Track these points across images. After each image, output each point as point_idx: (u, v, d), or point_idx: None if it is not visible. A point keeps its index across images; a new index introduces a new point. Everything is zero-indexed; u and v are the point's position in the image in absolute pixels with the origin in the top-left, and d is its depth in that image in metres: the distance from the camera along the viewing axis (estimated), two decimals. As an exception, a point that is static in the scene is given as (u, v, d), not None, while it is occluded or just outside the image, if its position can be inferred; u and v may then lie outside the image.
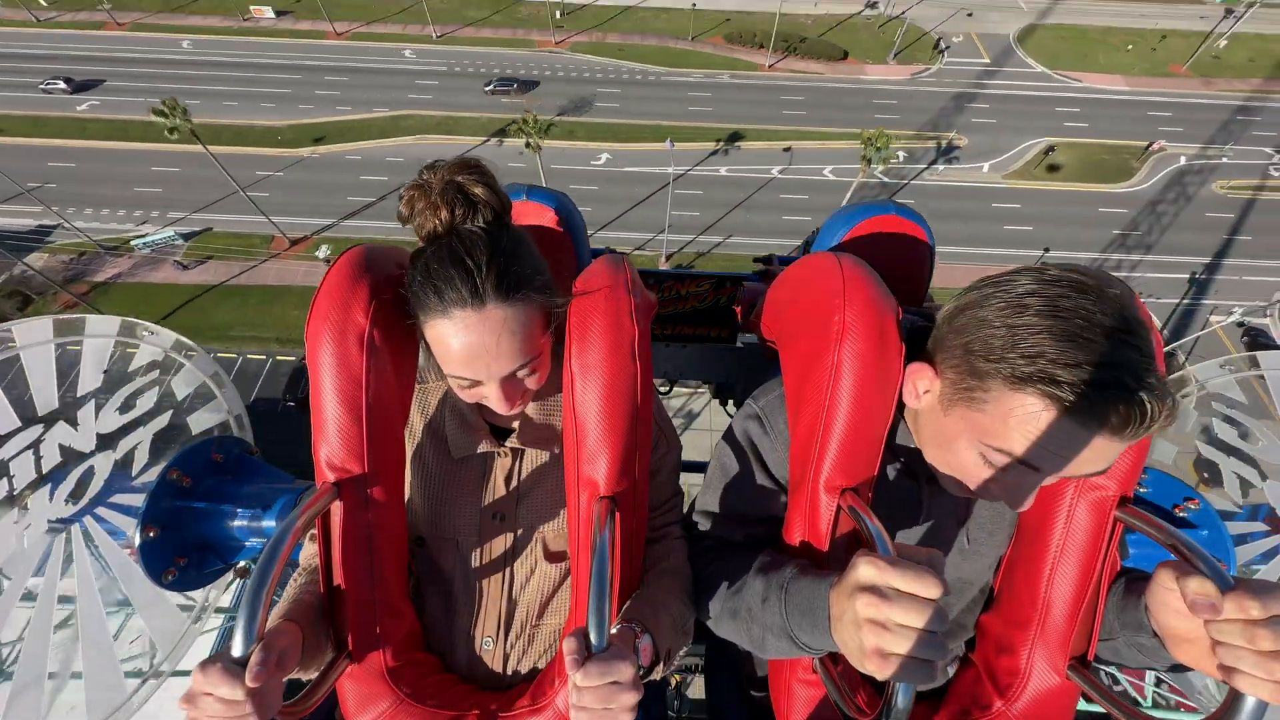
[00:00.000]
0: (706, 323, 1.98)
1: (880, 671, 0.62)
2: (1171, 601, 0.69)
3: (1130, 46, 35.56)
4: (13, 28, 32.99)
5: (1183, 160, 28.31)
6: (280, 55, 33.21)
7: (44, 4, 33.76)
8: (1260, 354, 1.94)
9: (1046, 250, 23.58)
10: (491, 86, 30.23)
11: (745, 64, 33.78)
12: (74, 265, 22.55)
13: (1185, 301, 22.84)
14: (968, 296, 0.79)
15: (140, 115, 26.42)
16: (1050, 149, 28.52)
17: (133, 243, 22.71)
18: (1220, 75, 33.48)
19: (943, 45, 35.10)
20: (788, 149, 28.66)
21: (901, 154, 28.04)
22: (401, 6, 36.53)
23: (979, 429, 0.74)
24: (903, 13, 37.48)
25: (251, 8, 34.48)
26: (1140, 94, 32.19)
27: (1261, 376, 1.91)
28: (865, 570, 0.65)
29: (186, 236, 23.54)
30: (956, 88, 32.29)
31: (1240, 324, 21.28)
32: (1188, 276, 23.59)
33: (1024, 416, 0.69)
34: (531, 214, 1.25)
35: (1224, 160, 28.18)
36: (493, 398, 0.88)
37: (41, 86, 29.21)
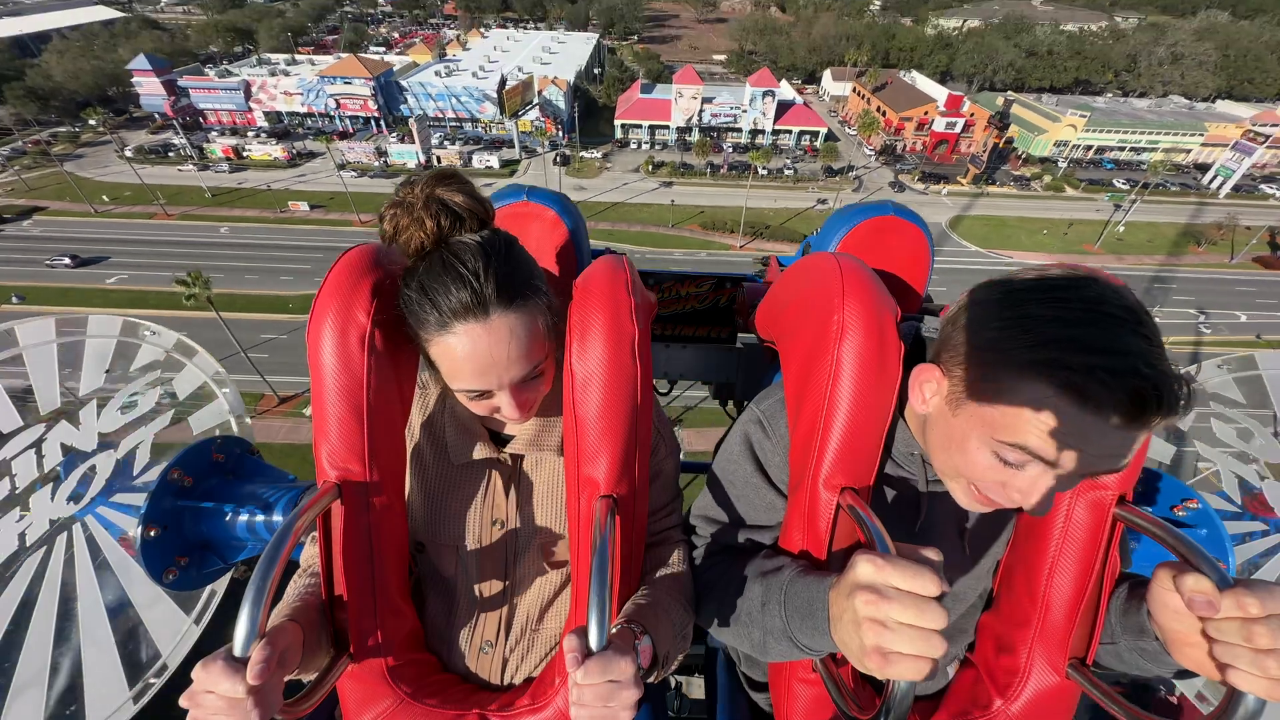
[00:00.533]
0: (706, 323, 1.98)
1: (880, 670, 0.62)
2: (1171, 602, 0.68)
3: (1045, 231, 43.41)
4: (72, 218, 37.58)
5: None
6: (306, 239, 36.49)
7: (105, 199, 39.00)
8: (1260, 354, 1.94)
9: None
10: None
11: (719, 245, 39.37)
12: None
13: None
14: (971, 295, 0.79)
15: (160, 286, 29.84)
16: None
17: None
18: (1128, 252, 41.11)
19: None
20: None
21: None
22: None
23: (990, 425, 0.71)
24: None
25: (289, 203, 39.12)
26: None
27: (1260, 376, 1.91)
28: (864, 569, 0.65)
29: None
30: None
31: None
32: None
33: (1036, 407, 0.67)
34: (532, 215, 1.25)
35: (1157, 320, 32.41)
36: (505, 407, 0.88)
37: (47, 262, 32.70)
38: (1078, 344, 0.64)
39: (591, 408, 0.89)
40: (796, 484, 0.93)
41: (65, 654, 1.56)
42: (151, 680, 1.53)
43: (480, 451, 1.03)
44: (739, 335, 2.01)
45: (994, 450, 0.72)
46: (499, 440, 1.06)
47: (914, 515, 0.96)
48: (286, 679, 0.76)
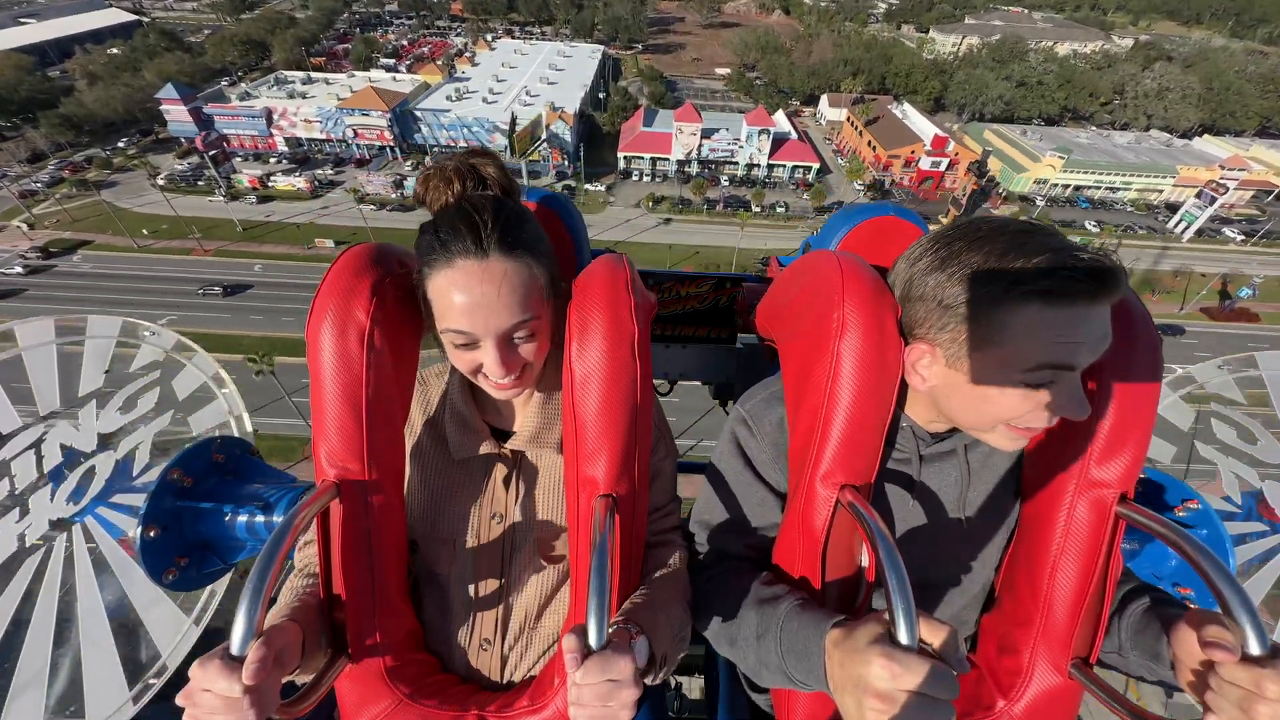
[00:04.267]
0: (706, 323, 1.98)
1: None
2: (1196, 653, 0.72)
3: None
4: (116, 252, 39.26)
5: None
6: None
7: (145, 233, 40.50)
8: (1260, 354, 1.94)
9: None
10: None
11: None
12: None
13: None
14: (903, 275, 0.87)
15: (206, 329, 31.35)
16: None
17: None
18: None
19: None
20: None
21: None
22: None
23: (1005, 363, 0.77)
24: None
25: (316, 240, 40.82)
26: None
27: (1260, 377, 1.91)
28: (878, 673, 0.62)
29: None
30: None
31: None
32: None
33: (1033, 326, 0.74)
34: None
35: None
36: (489, 361, 0.88)
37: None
38: (1026, 261, 0.73)
39: (591, 406, 0.88)
40: (795, 481, 0.93)
41: (65, 654, 1.55)
42: (151, 680, 1.53)
43: (481, 447, 1.03)
44: (739, 335, 2.01)
45: (1020, 382, 0.77)
46: (501, 436, 1.06)
47: (910, 499, 0.97)
48: (284, 680, 0.76)
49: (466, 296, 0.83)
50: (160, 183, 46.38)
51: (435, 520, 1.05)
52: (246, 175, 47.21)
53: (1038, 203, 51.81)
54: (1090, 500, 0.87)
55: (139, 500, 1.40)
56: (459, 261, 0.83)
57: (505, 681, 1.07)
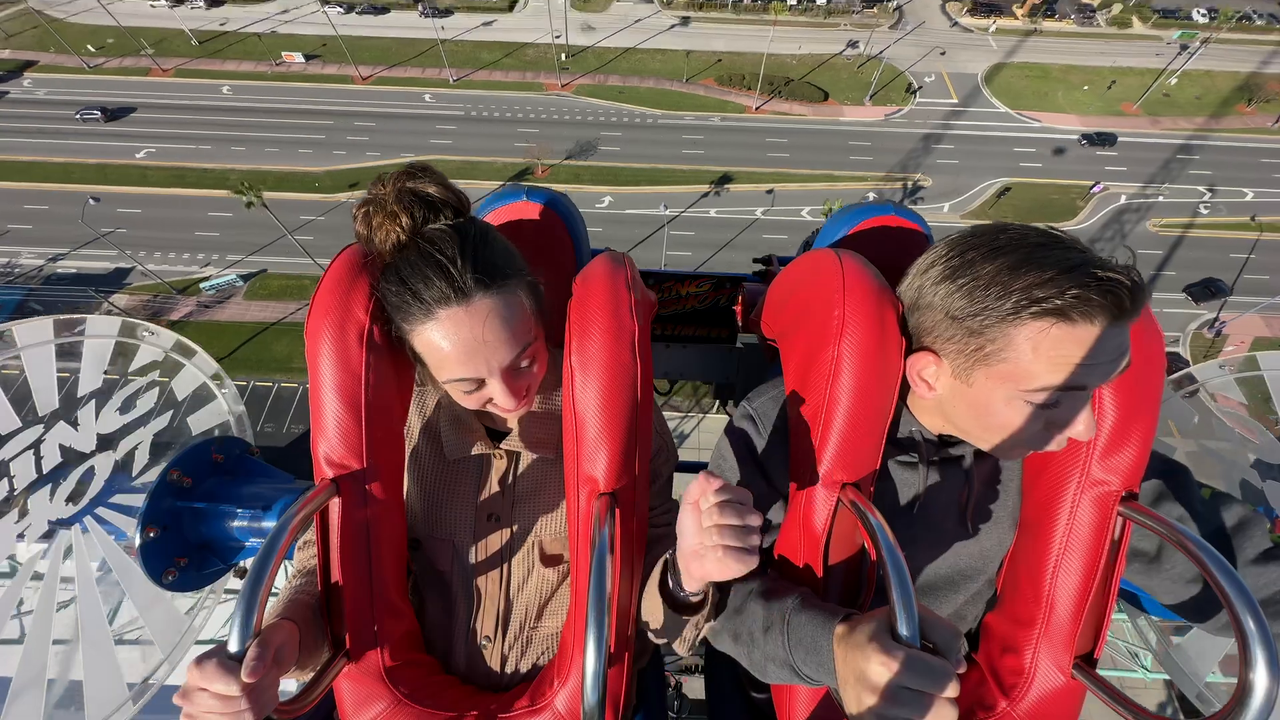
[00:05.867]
0: (706, 323, 1.98)
1: None
2: None
3: (1087, 86, 36.49)
4: (66, 74, 34.81)
5: (1123, 199, 30.37)
6: (312, 101, 35.08)
7: (91, 50, 36.18)
8: (1260, 354, 1.94)
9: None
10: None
11: (734, 106, 35.24)
12: (151, 304, 24.99)
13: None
14: (914, 282, 0.85)
15: (192, 162, 29.47)
16: (1005, 190, 30.36)
17: (200, 285, 25.25)
18: (1168, 114, 34.86)
19: (914, 86, 36.65)
20: (770, 191, 30.25)
21: (871, 194, 29.75)
22: (418, 51, 38.32)
23: (1009, 382, 0.75)
24: (880, 52, 38.78)
25: (283, 54, 36.80)
26: (1092, 133, 34.47)
27: (1261, 376, 1.91)
28: (876, 669, 0.62)
29: (245, 278, 25.83)
30: (925, 129, 34.39)
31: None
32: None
33: (1039, 345, 0.71)
34: (531, 214, 1.25)
35: (1159, 199, 30.23)
36: (498, 394, 0.87)
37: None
38: (1037, 276, 0.69)
39: (591, 404, 0.88)
40: (796, 480, 0.93)
41: (65, 654, 1.55)
42: (151, 680, 1.53)
43: (475, 447, 1.03)
44: (739, 335, 2.01)
45: (1024, 401, 0.76)
46: (496, 437, 1.06)
47: (914, 499, 0.96)
48: (282, 679, 0.76)
49: (460, 345, 0.81)
50: None
51: (433, 520, 1.04)
52: None
53: None
54: (1093, 499, 0.87)
55: (139, 500, 1.40)
56: (440, 312, 0.79)
57: (504, 681, 1.06)
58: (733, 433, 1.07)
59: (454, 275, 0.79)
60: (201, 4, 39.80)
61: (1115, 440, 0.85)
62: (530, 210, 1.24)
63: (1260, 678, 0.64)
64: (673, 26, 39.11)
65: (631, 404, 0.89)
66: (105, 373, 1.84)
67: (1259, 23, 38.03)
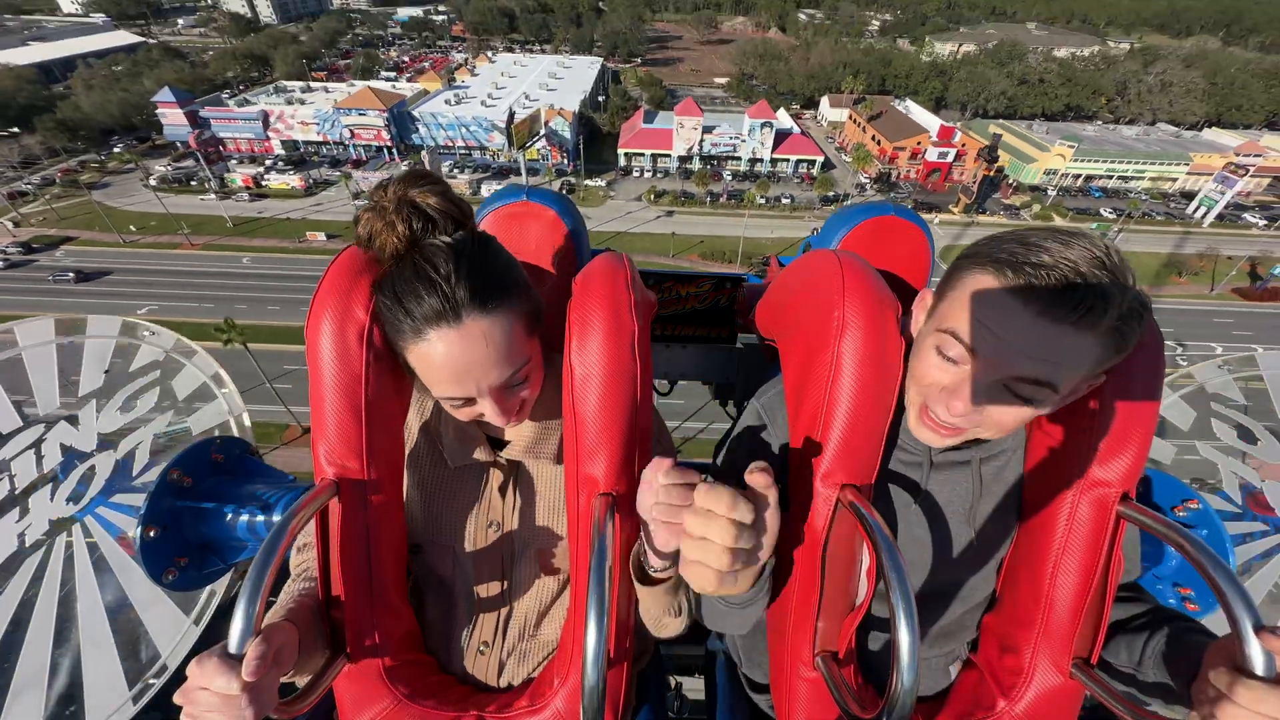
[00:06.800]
0: (706, 323, 1.98)
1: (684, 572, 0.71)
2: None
3: None
4: (100, 247, 38.86)
5: None
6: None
7: (133, 229, 40.35)
8: (1260, 354, 1.94)
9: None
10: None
11: None
12: None
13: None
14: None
15: (193, 318, 30.56)
16: None
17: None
18: None
19: None
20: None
21: None
22: None
23: (937, 318, 0.79)
24: None
25: (307, 233, 40.42)
26: None
27: (1260, 377, 1.91)
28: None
29: None
30: None
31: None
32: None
33: (970, 292, 0.74)
34: (532, 215, 1.25)
35: None
36: (489, 412, 0.87)
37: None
38: (1027, 246, 0.70)
39: (591, 405, 0.88)
40: (796, 480, 0.93)
41: (65, 654, 1.55)
42: (151, 680, 1.53)
43: (475, 454, 1.03)
44: (739, 335, 2.01)
45: (935, 344, 0.78)
46: (497, 444, 1.06)
47: (916, 505, 0.96)
48: (282, 680, 0.76)
49: (450, 365, 0.80)
50: (152, 183, 45.77)
51: (433, 527, 1.04)
52: (240, 174, 46.64)
53: (1049, 193, 50.82)
54: (1092, 500, 0.87)
55: (139, 500, 1.40)
56: (430, 332, 0.78)
57: (503, 686, 1.06)
58: (740, 429, 1.07)
59: (446, 294, 0.78)
60: (246, 197, 44.85)
61: (1114, 442, 0.86)
62: (531, 210, 1.24)
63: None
64: (658, 217, 45.90)
65: (631, 405, 0.89)
66: (105, 372, 1.84)
67: (1159, 218, 48.46)
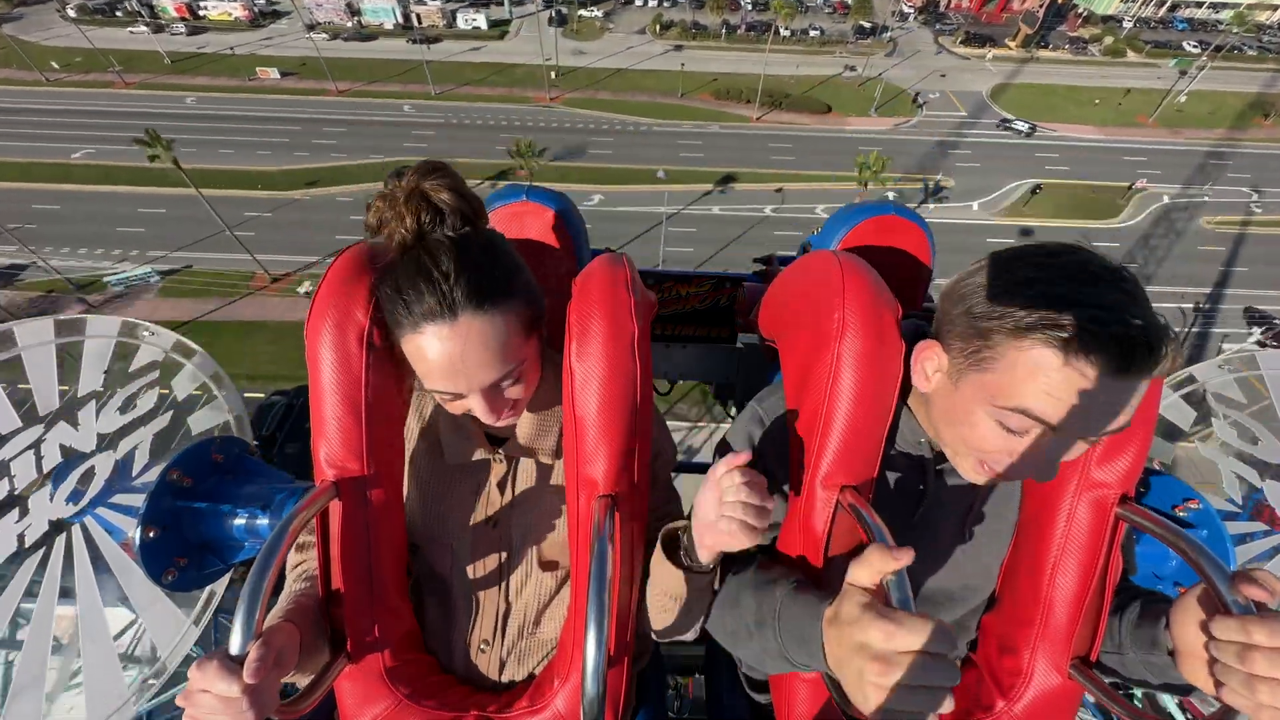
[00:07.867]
0: (706, 323, 1.98)
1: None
2: (1195, 617, 0.71)
3: (1097, 101, 38.80)
4: (25, 87, 34.32)
5: (1166, 199, 30.89)
6: (280, 109, 33.89)
7: (55, 66, 35.22)
8: (1260, 354, 1.94)
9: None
10: None
11: (734, 116, 35.08)
12: (39, 302, 22.78)
13: (1194, 330, 24.71)
14: (963, 271, 0.82)
15: (135, 162, 26.88)
16: (1037, 188, 30.47)
17: (106, 279, 22.95)
18: (1185, 125, 36.67)
19: (920, 100, 37.77)
20: (779, 190, 30.07)
21: (891, 193, 29.57)
22: (403, 69, 37.72)
23: (990, 391, 0.73)
24: (880, 74, 40.00)
25: (257, 69, 35.56)
26: (1114, 141, 35.35)
27: (1261, 377, 1.91)
28: (875, 636, 0.60)
29: (165, 274, 23.92)
30: (938, 136, 34.59)
31: (1261, 343, 22.59)
32: (1192, 306, 25.43)
33: (1031, 367, 0.68)
34: (532, 214, 1.25)
35: (1205, 199, 30.99)
36: (477, 410, 0.87)
37: None
38: (1065, 301, 0.66)
39: (590, 406, 0.88)
40: (795, 483, 0.93)
41: (65, 654, 1.56)
42: (151, 680, 1.53)
43: (474, 453, 1.03)
44: (739, 335, 2.01)
45: (997, 419, 0.73)
46: (496, 441, 1.06)
47: (916, 509, 0.96)
48: (283, 681, 0.76)
49: (442, 361, 0.81)
50: (70, 13, 38.44)
51: (432, 525, 1.04)
52: (172, 2, 39.15)
53: (1124, 24, 42.96)
54: (1091, 501, 0.87)
55: (138, 500, 1.40)
56: (426, 327, 0.79)
57: (503, 685, 1.07)
58: (740, 432, 1.07)
59: (444, 291, 0.78)
60: (181, 29, 38.47)
61: (1113, 443, 0.86)
62: (531, 210, 1.24)
63: None
64: (665, 52, 39.47)
65: (631, 406, 0.89)
66: (105, 372, 1.84)
67: (1250, 53, 41.20)
